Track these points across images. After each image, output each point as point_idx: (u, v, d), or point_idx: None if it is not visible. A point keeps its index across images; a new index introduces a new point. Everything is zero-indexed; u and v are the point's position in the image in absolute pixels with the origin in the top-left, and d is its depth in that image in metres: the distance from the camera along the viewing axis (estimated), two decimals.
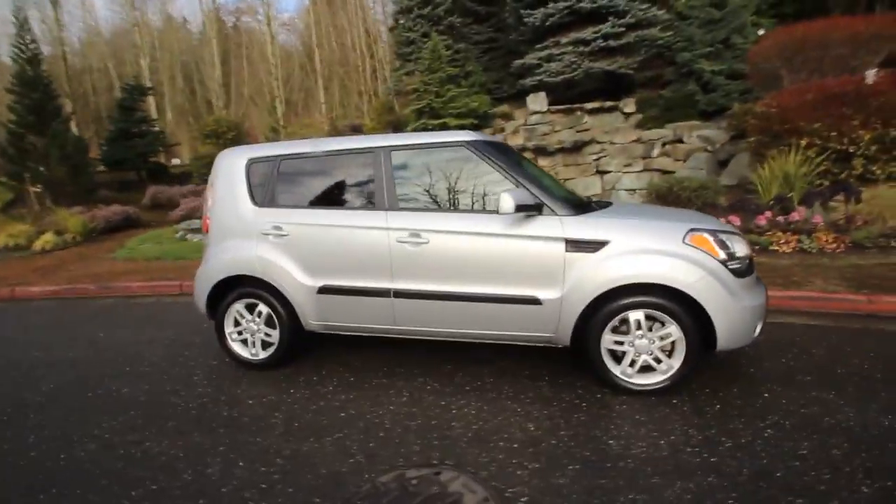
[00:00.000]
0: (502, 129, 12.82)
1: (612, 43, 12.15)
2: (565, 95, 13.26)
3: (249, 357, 3.60)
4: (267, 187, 3.49)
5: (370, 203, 3.27)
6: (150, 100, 22.97)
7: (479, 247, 3.02)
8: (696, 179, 8.46)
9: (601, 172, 11.34)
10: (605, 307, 2.84)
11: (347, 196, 3.38)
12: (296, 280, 3.34)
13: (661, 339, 2.82)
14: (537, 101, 12.79)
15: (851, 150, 7.00)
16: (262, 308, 3.50)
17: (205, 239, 3.73)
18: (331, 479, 2.29)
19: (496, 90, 14.75)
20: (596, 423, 2.63)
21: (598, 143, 11.60)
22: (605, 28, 12.10)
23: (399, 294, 3.17)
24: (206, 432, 2.77)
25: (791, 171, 6.12)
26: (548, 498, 2.07)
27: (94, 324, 5.09)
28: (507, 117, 13.11)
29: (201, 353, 3.98)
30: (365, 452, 2.48)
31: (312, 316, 3.39)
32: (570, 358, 3.39)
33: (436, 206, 3.19)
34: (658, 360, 2.85)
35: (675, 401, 2.80)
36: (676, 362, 2.81)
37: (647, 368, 2.88)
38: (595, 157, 11.52)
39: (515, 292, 2.97)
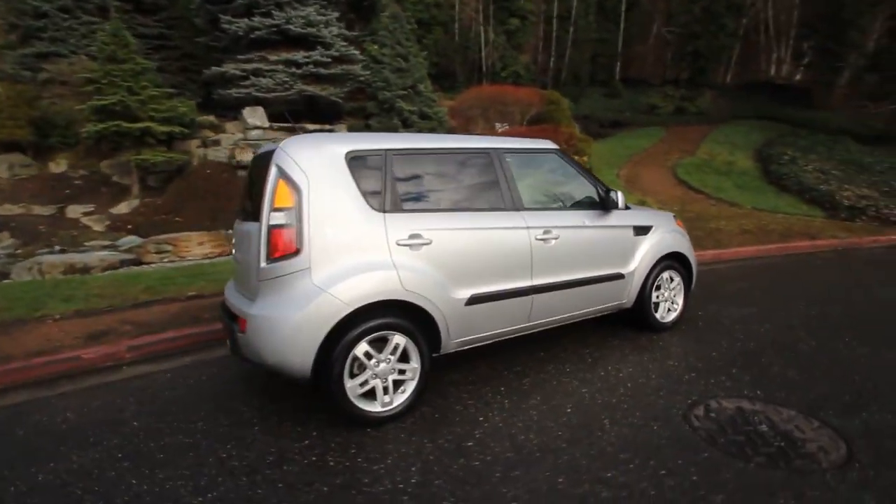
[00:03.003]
0: (217, 142, 11.28)
1: (322, 70, 12.79)
2: (267, 112, 12.86)
3: (380, 410, 2.68)
4: (384, 188, 2.74)
5: (496, 204, 3.17)
6: None
7: (591, 237, 3.54)
8: None
9: None
10: (653, 272, 3.95)
11: (472, 197, 3.10)
12: (446, 294, 2.82)
13: (674, 288, 4.18)
14: (256, 116, 11.96)
15: None
16: (398, 340, 2.71)
17: (281, 265, 2.47)
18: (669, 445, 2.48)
19: (176, 95, 12.59)
20: (701, 352, 3.68)
21: None
22: (315, 55, 12.64)
23: (538, 290, 3.25)
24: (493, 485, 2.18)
25: None
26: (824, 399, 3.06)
27: None
28: (217, 129, 11.59)
29: (251, 441, 2.53)
30: (650, 417, 2.70)
31: (458, 333, 2.93)
32: (586, 326, 4.27)
33: (551, 204, 3.46)
34: (674, 303, 4.19)
35: (684, 328, 4.21)
36: (680, 300, 4.23)
37: (668, 310, 4.18)
38: None
39: (610, 271, 3.67)
